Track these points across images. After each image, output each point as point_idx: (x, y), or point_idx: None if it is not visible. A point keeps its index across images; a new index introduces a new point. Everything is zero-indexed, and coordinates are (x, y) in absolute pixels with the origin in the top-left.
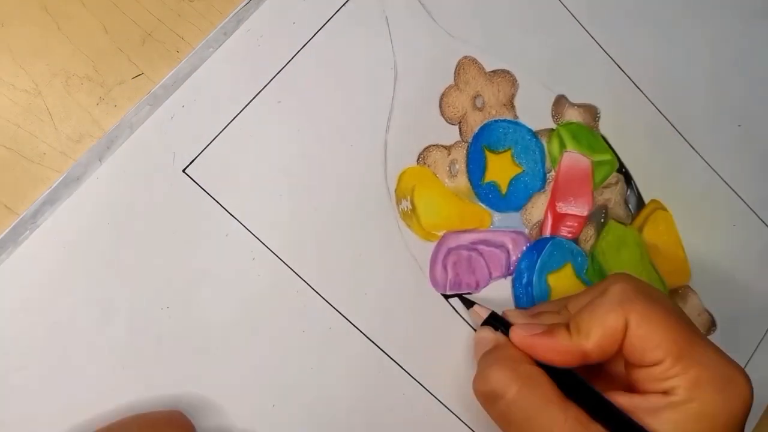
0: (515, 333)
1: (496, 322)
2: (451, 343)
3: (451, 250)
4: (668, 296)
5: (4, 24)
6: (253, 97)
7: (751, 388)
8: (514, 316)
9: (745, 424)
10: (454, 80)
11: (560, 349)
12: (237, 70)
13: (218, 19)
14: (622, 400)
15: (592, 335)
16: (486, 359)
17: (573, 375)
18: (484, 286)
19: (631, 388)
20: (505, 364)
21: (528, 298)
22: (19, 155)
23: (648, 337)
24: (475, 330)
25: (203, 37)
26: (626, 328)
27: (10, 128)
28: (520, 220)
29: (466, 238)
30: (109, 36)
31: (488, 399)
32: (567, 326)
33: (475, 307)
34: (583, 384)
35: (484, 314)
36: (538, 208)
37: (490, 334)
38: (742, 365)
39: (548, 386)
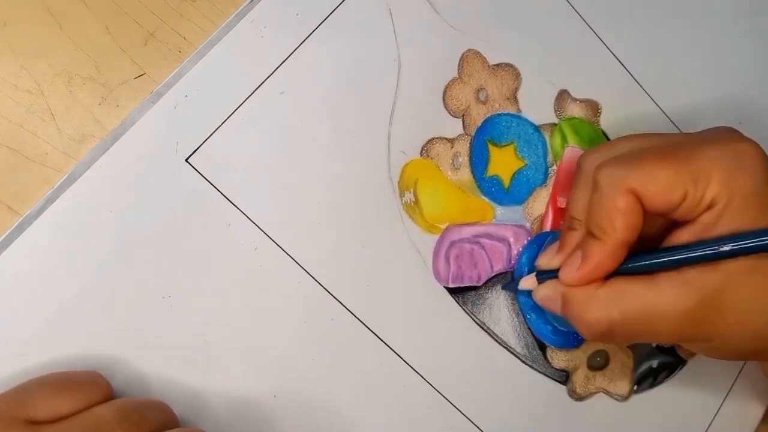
0: (566, 280)
1: (543, 275)
2: (452, 335)
3: (454, 242)
4: (636, 134)
5: (7, 24)
6: (257, 88)
7: (750, 141)
8: (548, 261)
9: None
10: (458, 73)
11: (606, 259)
12: (240, 60)
13: (220, 18)
14: (685, 236)
15: (617, 225)
16: (574, 316)
17: (637, 254)
18: (486, 279)
19: (682, 224)
20: (590, 307)
21: (528, 290)
22: (21, 155)
23: (660, 189)
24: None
25: (205, 36)
26: (637, 194)
27: (12, 128)
28: (521, 213)
29: (469, 231)
30: (112, 36)
31: (609, 337)
32: (592, 234)
33: (522, 282)
34: (650, 252)
35: (532, 281)
36: (539, 202)
37: (547, 292)
38: (736, 371)
39: (631, 287)
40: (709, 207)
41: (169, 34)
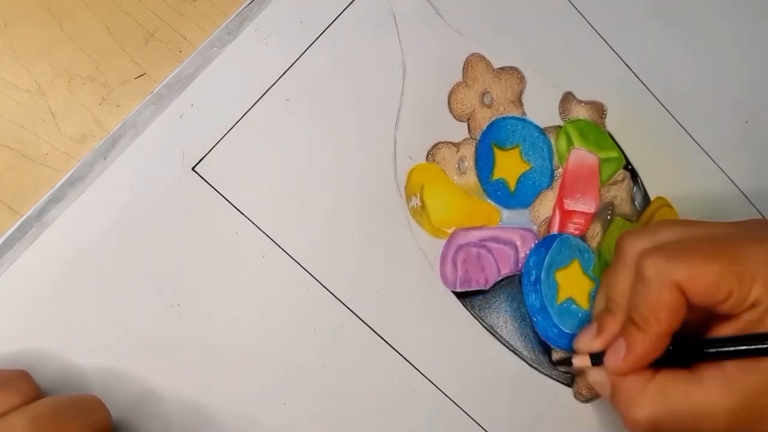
0: (611, 369)
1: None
2: (461, 339)
3: (461, 247)
4: (677, 220)
5: (8, 24)
6: (262, 95)
7: None
8: (588, 343)
9: None
10: (463, 77)
11: (650, 349)
12: (245, 68)
13: (221, 18)
14: (728, 332)
15: (662, 318)
16: (619, 405)
17: (682, 344)
18: (493, 283)
19: (725, 318)
20: (636, 404)
21: (536, 294)
22: (22, 155)
23: (706, 287)
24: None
25: (206, 37)
26: (683, 290)
27: (13, 128)
28: (528, 217)
29: (476, 235)
30: (112, 36)
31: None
32: (635, 323)
33: (555, 357)
34: (693, 346)
35: (587, 360)
36: (545, 205)
37: (600, 378)
38: None
39: (677, 384)
40: (752, 306)
41: (170, 34)
